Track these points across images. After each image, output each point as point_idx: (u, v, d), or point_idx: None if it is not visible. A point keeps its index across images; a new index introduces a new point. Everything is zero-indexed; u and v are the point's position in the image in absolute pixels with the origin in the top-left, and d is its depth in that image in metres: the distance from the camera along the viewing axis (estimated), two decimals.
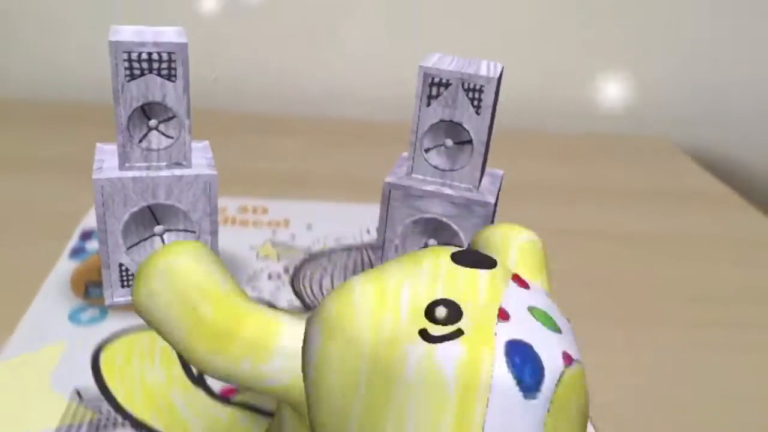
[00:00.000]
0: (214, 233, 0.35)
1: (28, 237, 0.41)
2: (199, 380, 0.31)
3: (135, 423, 0.28)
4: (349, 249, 0.43)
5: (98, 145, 0.35)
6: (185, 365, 0.32)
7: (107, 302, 0.34)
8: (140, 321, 0.34)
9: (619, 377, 0.35)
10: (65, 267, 0.38)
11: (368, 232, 0.45)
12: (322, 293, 0.38)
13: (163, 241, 0.35)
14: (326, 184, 0.53)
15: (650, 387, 0.34)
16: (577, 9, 0.68)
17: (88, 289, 0.36)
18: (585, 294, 0.42)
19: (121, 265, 0.34)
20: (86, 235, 0.41)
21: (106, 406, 0.29)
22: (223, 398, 0.30)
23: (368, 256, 0.42)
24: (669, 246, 0.49)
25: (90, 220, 0.43)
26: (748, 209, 0.56)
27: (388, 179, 0.34)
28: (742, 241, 0.50)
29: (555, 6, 0.67)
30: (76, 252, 0.40)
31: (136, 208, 0.33)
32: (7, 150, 0.53)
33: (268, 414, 0.29)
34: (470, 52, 0.68)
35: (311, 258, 0.41)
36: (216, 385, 0.31)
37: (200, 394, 0.30)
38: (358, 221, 0.46)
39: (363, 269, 0.40)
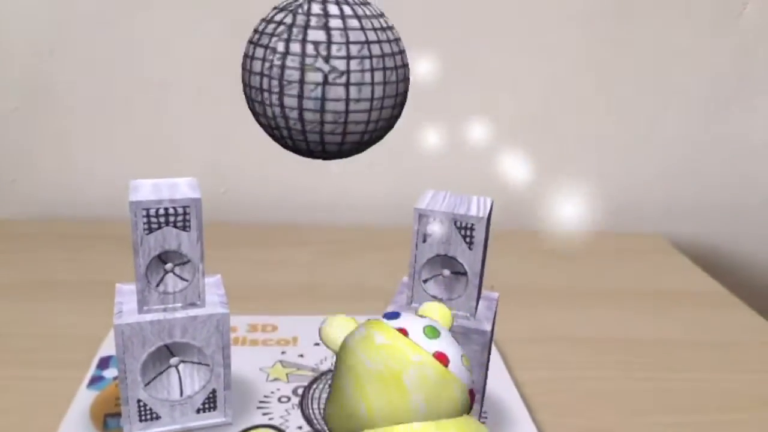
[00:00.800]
0: (227, 366, 0.37)
1: (47, 364, 0.44)
2: None
3: None
4: None
5: (117, 285, 0.38)
6: None
7: None
8: None
9: None
10: (84, 398, 0.40)
11: None
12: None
13: (178, 371, 0.37)
14: (334, 295, 0.55)
15: None
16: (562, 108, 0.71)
17: (107, 420, 0.38)
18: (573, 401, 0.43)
19: (139, 400, 0.36)
20: (103, 363, 0.43)
21: None
22: None
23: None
24: (663, 351, 0.50)
25: (107, 347, 0.45)
26: (743, 308, 0.57)
27: (390, 309, 0.37)
28: (737, 344, 0.52)
29: (550, 106, 0.71)
30: (95, 381, 0.41)
31: (153, 348, 0.35)
32: (18, 273, 0.56)
33: None
34: (467, 150, 0.72)
35: (319, 377, 0.43)
36: None
37: None
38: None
39: None
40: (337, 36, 0.23)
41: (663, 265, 0.65)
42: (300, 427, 0.38)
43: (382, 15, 0.23)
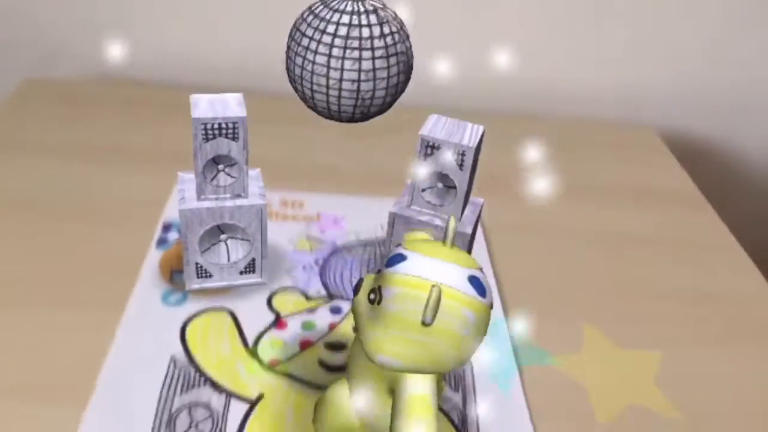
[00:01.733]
0: (264, 242, 0.47)
1: (119, 228, 0.54)
2: (253, 353, 0.44)
3: (213, 384, 0.42)
4: (365, 244, 0.55)
5: (179, 174, 0.47)
6: (244, 341, 0.45)
7: (188, 288, 0.48)
8: (213, 304, 0.47)
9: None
10: (154, 256, 0.51)
11: (382, 228, 0.57)
12: (343, 283, 0.50)
13: (226, 244, 0.47)
14: (354, 176, 0.64)
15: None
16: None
17: (173, 274, 0.50)
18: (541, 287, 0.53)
19: (197, 263, 0.47)
20: (167, 227, 0.54)
21: (192, 370, 0.42)
22: (271, 367, 0.43)
23: (380, 251, 0.54)
24: (624, 245, 0.60)
25: (169, 213, 0.56)
26: (708, 210, 0.65)
27: (393, 209, 0.46)
28: (690, 242, 0.61)
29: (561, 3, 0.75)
30: (161, 242, 0.53)
31: (208, 227, 0.45)
32: (80, 135, 0.66)
33: (298, 379, 0.42)
34: (479, 37, 0.77)
35: (336, 251, 0.54)
36: (266, 357, 0.44)
37: (255, 362, 0.43)
38: (376, 216, 0.58)
39: (375, 263, 0.53)
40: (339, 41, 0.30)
41: (649, 162, 0.72)
42: (318, 291, 0.49)
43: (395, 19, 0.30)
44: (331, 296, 0.49)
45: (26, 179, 0.59)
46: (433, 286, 0.28)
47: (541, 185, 0.67)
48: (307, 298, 0.49)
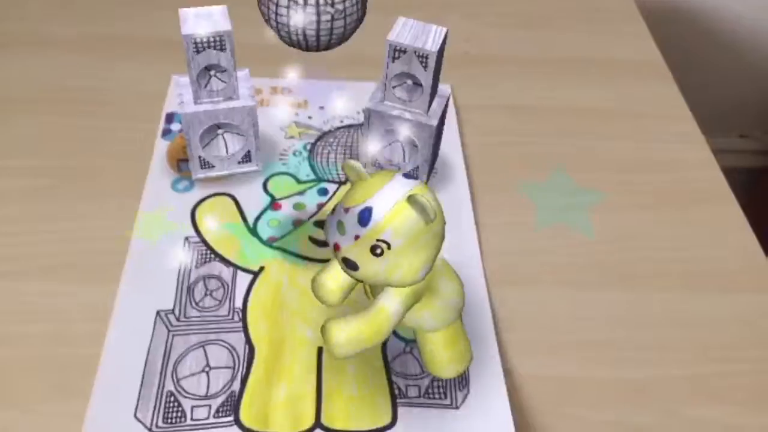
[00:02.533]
0: (256, 136, 0.54)
1: (125, 119, 0.60)
2: (253, 231, 0.52)
3: (221, 258, 0.50)
4: (349, 128, 0.61)
5: (173, 77, 0.52)
6: (246, 221, 0.53)
7: (194, 177, 0.55)
8: (216, 190, 0.55)
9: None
10: (161, 146, 0.58)
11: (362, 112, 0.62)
12: (329, 165, 0.58)
13: (224, 138, 0.54)
14: (339, 59, 0.68)
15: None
16: None
17: (179, 164, 0.57)
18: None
19: (200, 156, 0.54)
20: (169, 118, 0.60)
21: (203, 248, 0.51)
22: (269, 243, 0.52)
23: (360, 135, 0.60)
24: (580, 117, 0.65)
25: (169, 104, 0.61)
26: (669, 82, 0.70)
27: (368, 105, 0.52)
28: (648, 115, 0.66)
29: None
30: (165, 133, 0.59)
31: (206, 126, 0.51)
32: (76, 26, 0.69)
33: (292, 253, 0.51)
34: None
35: (322, 136, 0.60)
36: (264, 235, 0.52)
37: (255, 240, 0.52)
38: (359, 100, 0.63)
39: (358, 147, 0.59)
40: None
41: (620, 32, 0.76)
42: (308, 175, 0.57)
43: None
44: (318, 179, 0.57)
45: (31, 73, 0.64)
46: (409, 197, 0.34)
47: (509, 60, 0.71)
48: (298, 181, 0.56)
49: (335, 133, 0.61)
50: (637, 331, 0.49)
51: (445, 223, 0.36)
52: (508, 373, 0.45)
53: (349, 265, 0.35)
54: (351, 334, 0.36)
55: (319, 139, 0.60)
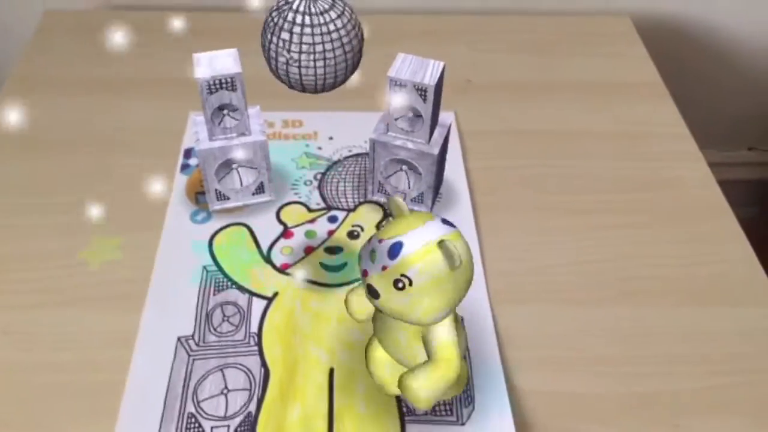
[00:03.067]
0: (269, 168, 0.57)
1: (145, 156, 0.64)
2: (267, 259, 0.55)
3: (238, 286, 0.53)
4: (357, 156, 0.64)
5: (191, 115, 0.56)
6: (260, 249, 0.56)
7: (211, 209, 0.58)
8: (232, 220, 0.58)
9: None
10: (180, 180, 0.61)
11: None
12: (338, 195, 0.60)
13: (238, 172, 0.57)
14: (348, 92, 0.71)
15: None
16: None
17: (197, 197, 0.60)
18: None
19: (216, 189, 0.57)
20: (187, 153, 0.64)
21: (220, 276, 0.54)
22: (282, 270, 0.54)
23: (366, 165, 0.63)
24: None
25: (188, 141, 0.65)
26: (668, 102, 0.72)
27: (372, 136, 0.55)
28: (647, 135, 0.68)
29: None
30: (184, 168, 0.62)
31: (221, 161, 0.55)
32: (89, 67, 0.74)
33: (305, 279, 0.54)
34: None
35: (332, 166, 0.63)
36: (278, 261, 0.55)
37: (269, 267, 0.55)
38: (366, 129, 0.66)
39: (365, 175, 0.62)
40: (296, 38, 0.38)
41: (620, 55, 0.78)
42: (318, 204, 0.60)
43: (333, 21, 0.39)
44: (328, 207, 0.59)
45: (58, 114, 0.68)
46: (440, 242, 0.36)
47: (512, 87, 0.74)
48: (309, 210, 0.59)
49: (344, 162, 0.63)
50: (640, 346, 0.51)
51: (472, 274, 0.38)
52: (512, 389, 0.47)
53: (372, 292, 0.37)
54: (430, 385, 0.38)
55: (328, 168, 0.63)
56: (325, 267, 0.55)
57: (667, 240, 0.58)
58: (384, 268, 0.36)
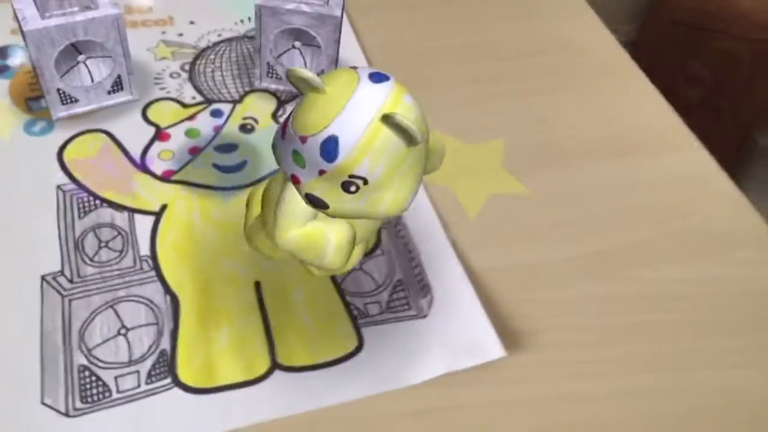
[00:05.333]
0: (127, 56, 0.44)
1: None
2: (144, 168, 0.44)
3: (110, 204, 0.42)
4: (230, 41, 0.53)
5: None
6: (130, 158, 0.44)
7: (54, 117, 0.45)
8: (85, 126, 0.45)
9: None
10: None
11: (242, 21, 0.55)
12: (216, 86, 0.49)
13: (86, 65, 0.44)
14: None
15: None
16: None
17: (29, 104, 0.46)
18: None
19: (58, 89, 0.43)
20: (2, 53, 0.49)
21: (84, 195, 0.42)
22: (165, 178, 0.43)
23: (247, 48, 0.53)
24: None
25: (1, 35, 0.50)
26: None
27: (258, 1, 0.44)
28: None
29: None
30: (2, 70, 0.48)
31: (61, 47, 0.41)
32: None
33: (196, 185, 0.43)
34: None
35: (200, 54, 0.52)
36: (158, 170, 0.44)
37: (148, 177, 0.43)
38: (232, 12, 0.55)
39: (245, 60, 0.52)
40: None
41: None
42: (194, 97, 0.48)
43: None
44: (208, 100, 0.48)
45: None
46: (384, 118, 0.26)
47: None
48: (184, 105, 0.48)
49: (215, 48, 0.52)
50: (585, 205, 0.47)
51: (428, 129, 0.29)
52: (468, 269, 0.42)
53: (316, 203, 0.29)
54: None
55: (197, 57, 0.51)
56: (220, 168, 0.44)
57: (580, 102, 0.55)
58: (322, 172, 0.28)
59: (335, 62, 0.48)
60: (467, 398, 0.36)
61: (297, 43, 0.47)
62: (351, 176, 0.27)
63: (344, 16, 0.57)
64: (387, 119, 0.26)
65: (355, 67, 0.29)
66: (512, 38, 0.60)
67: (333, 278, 0.40)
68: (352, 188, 0.28)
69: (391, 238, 0.42)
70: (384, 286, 0.40)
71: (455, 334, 0.38)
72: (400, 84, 0.29)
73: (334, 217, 0.30)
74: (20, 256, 0.38)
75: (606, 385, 0.38)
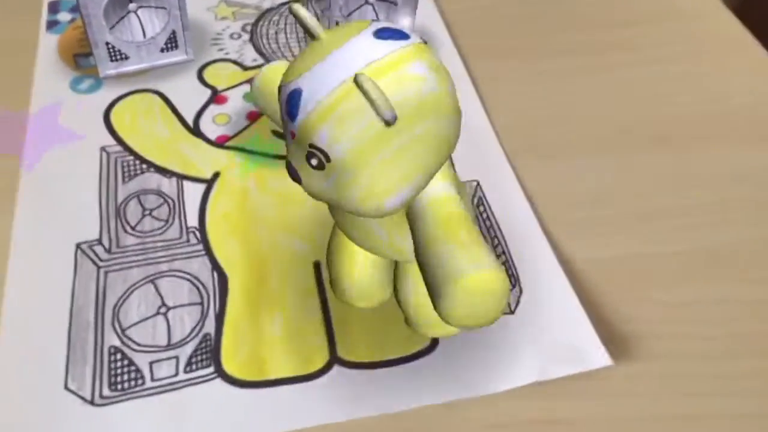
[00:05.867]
0: (183, 8, 0.40)
1: None
2: (197, 132, 0.39)
3: (158, 168, 0.37)
4: (297, 1, 0.48)
5: None
6: (183, 121, 0.40)
7: (101, 75, 0.41)
8: (135, 86, 0.41)
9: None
10: (48, 41, 0.43)
11: None
12: (280, 48, 0.45)
13: (138, 16, 0.40)
14: None
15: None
16: None
17: (77, 60, 0.42)
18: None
19: (107, 43, 0.39)
20: (53, 7, 0.45)
21: (129, 158, 0.37)
22: (219, 144, 0.39)
23: (314, 9, 0.48)
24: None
25: None
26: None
27: None
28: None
29: None
30: (51, 26, 0.44)
31: None
32: None
33: (253, 152, 0.38)
34: None
35: (263, 14, 0.47)
36: (212, 134, 0.39)
37: (200, 142, 0.39)
38: None
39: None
40: None
41: None
42: (255, 60, 0.44)
43: None
44: (268, 61, 0.44)
45: None
46: (355, 77, 0.20)
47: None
48: (244, 68, 0.43)
49: (279, 9, 0.47)
50: (689, 192, 0.40)
51: (453, 114, 0.22)
52: (563, 261, 0.35)
53: (292, 174, 0.23)
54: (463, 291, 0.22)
55: (260, 18, 0.47)
56: (280, 135, 0.40)
57: (693, 76, 0.48)
58: (293, 134, 0.22)
59: (413, 17, 0.42)
60: (564, 413, 0.30)
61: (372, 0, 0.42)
62: (311, 146, 0.21)
63: None
64: (357, 80, 0.20)
65: (375, 20, 0.23)
66: (607, 6, 0.53)
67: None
68: (314, 161, 0.22)
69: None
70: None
71: (549, 335, 0.31)
72: (420, 47, 0.22)
73: (312, 197, 0.24)
74: (55, 220, 0.34)
75: (730, 407, 0.31)
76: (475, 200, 0.37)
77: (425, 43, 0.22)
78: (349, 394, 0.29)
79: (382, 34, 0.22)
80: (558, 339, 0.31)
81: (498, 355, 0.31)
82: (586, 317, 0.32)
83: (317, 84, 0.21)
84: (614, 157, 0.41)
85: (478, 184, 0.38)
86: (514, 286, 0.33)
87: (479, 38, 0.48)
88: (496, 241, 0.35)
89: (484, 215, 0.36)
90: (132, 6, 0.39)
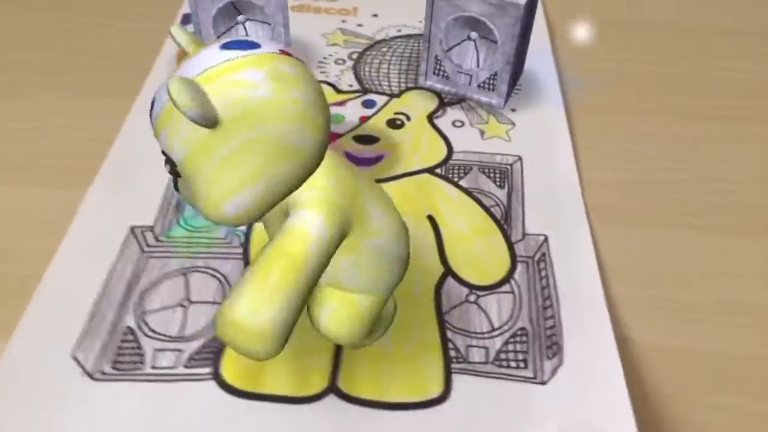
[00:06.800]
0: (286, 26, 0.41)
1: (134, 17, 0.50)
2: None
3: None
4: (408, 38, 0.48)
5: None
6: None
7: None
8: None
9: None
10: (170, 48, 0.46)
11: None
12: (379, 77, 0.45)
13: (245, 28, 0.42)
14: None
15: None
16: None
17: None
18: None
19: None
20: (185, 19, 0.49)
21: None
22: None
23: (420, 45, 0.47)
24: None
25: (186, 6, 0.50)
26: None
27: None
28: None
29: None
30: None
31: (221, 4, 0.40)
32: None
33: None
34: None
35: (373, 45, 0.47)
36: None
37: None
38: (418, 9, 0.50)
39: (417, 58, 0.46)
40: None
41: None
42: (350, 85, 0.44)
43: None
44: (364, 90, 0.44)
45: None
46: (168, 81, 0.20)
47: None
48: (338, 90, 0.43)
49: (390, 42, 0.48)
50: None
51: (298, 120, 0.22)
52: (622, 341, 0.31)
53: (174, 183, 0.24)
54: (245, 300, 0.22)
55: (369, 47, 0.47)
56: (352, 158, 0.39)
57: None
58: None
59: (513, 64, 0.40)
60: None
61: (473, 34, 0.40)
62: (162, 152, 0.22)
63: (539, 10, 0.50)
64: (169, 83, 0.20)
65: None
66: (744, 78, 0.47)
67: (436, 304, 0.31)
68: (167, 167, 0.22)
69: (528, 274, 0.33)
70: (500, 330, 0.30)
71: (580, 419, 0.27)
72: (267, 56, 0.22)
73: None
74: (119, 199, 0.36)
75: None
76: (537, 255, 0.34)
77: (286, 53, 0.22)
78: (340, 428, 0.27)
79: (228, 44, 0.22)
80: (589, 425, 0.27)
81: (516, 425, 0.27)
82: (630, 409, 0.27)
83: (162, 93, 0.22)
84: (705, 236, 0.36)
85: (546, 239, 0.34)
86: (553, 356, 0.29)
87: (596, 93, 0.45)
88: (548, 303, 0.31)
89: (544, 272, 0.33)
90: (240, 18, 0.41)
